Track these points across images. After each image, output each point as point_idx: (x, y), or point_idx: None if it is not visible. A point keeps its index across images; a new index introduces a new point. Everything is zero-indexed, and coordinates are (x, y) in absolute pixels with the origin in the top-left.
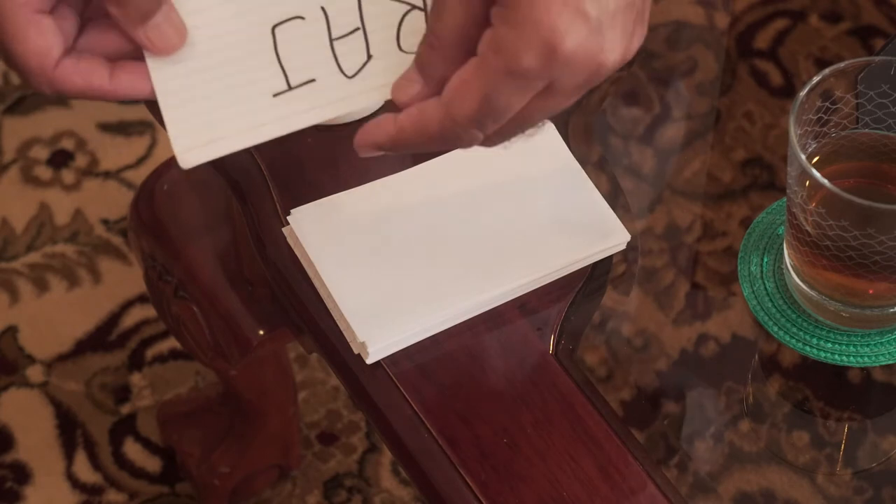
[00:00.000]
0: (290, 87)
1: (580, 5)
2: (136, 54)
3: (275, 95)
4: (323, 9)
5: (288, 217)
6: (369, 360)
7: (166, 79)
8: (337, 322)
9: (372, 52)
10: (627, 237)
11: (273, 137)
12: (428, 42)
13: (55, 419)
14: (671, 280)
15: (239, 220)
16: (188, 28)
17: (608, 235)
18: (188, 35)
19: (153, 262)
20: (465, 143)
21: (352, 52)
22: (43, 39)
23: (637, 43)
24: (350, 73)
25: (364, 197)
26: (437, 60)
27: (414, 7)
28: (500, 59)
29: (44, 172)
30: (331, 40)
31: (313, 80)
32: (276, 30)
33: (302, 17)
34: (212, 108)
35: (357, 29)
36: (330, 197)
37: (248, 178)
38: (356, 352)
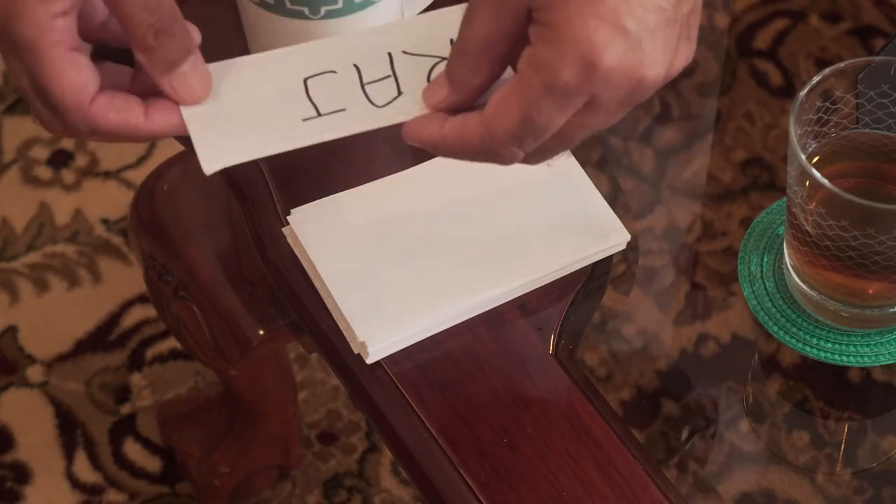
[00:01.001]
0: (319, 115)
1: (619, 21)
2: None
3: (304, 120)
4: (355, 65)
5: (288, 217)
6: (369, 360)
7: (197, 116)
8: (337, 322)
9: (402, 90)
10: (627, 237)
11: (297, 147)
12: (456, 49)
13: (55, 419)
14: (671, 280)
15: (239, 220)
16: (220, 80)
17: (608, 235)
18: (220, 85)
19: (153, 262)
20: (506, 160)
21: (382, 91)
22: (79, 76)
23: (682, 61)
24: (380, 104)
25: (364, 197)
26: (463, 67)
27: (443, 59)
28: (539, 76)
29: (44, 172)
30: (362, 85)
31: (343, 110)
32: (308, 81)
33: (334, 72)
34: (240, 129)
35: (388, 76)
36: (330, 197)
37: (248, 178)
38: (356, 352)
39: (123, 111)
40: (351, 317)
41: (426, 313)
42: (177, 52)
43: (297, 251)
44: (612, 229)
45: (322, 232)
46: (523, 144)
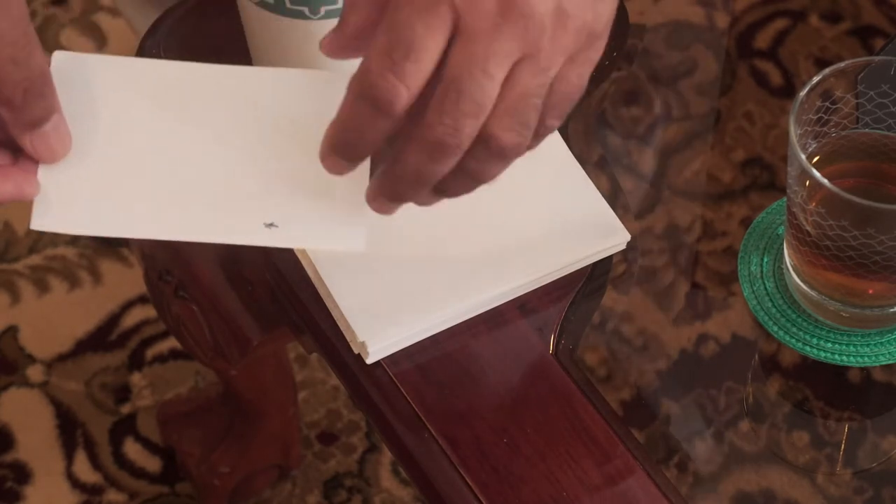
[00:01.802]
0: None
1: None
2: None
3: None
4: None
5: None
6: (369, 360)
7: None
8: (337, 322)
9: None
10: (627, 237)
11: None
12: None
13: (55, 419)
14: (671, 280)
15: None
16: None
17: (608, 235)
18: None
19: (153, 263)
20: (384, 94)
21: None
22: None
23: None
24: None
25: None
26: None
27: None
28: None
29: None
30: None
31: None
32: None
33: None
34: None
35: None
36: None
37: None
38: (356, 352)
39: None
40: (351, 317)
41: (426, 313)
42: (42, 111)
43: (297, 251)
44: (613, 229)
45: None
46: (397, 68)
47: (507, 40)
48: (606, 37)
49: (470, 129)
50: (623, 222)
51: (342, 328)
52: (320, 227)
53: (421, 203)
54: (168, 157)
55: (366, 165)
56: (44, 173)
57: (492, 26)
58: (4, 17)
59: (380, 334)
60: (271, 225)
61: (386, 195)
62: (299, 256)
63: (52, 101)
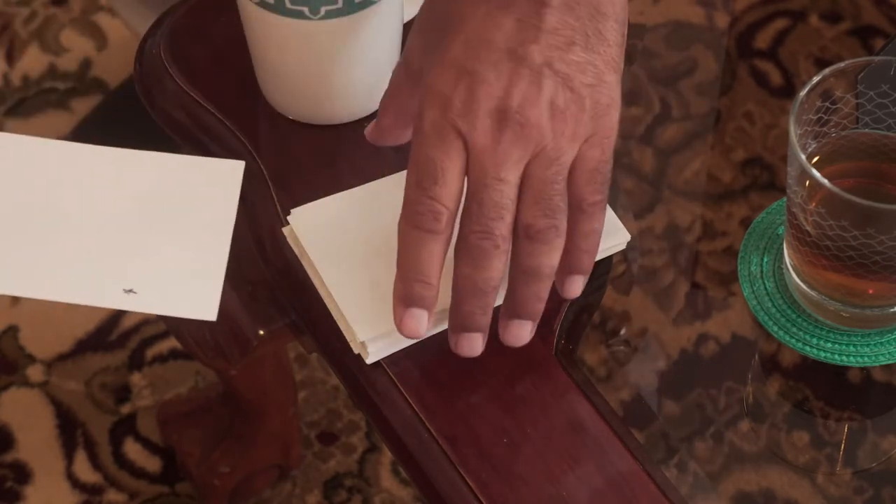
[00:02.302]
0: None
1: (463, 64)
2: None
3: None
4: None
5: (288, 217)
6: (369, 360)
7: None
8: (337, 322)
9: None
10: (627, 237)
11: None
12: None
13: (55, 419)
14: (671, 280)
15: (239, 219)
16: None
17: (608, 235)
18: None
19: None
20: (428, 219)
21: None
22: None
23: (520, 96)
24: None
25: (364, 196)
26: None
27: None
28: (415, 125)
29: None
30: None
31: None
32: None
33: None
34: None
35: None
36: (330, 196)
37: (249, 178)
38: (356, 352)
39: None
40: (351, 317)
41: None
42: None
43: (297, 251)
44: (613, 229)
45: (322, 232)
46: (429, 193)
47: (510, 148)
48: (616, 113)
49: (500, 229)
50: (623, 222)
51: (342, 328)
52: (175, 296)
53: (515, 340)
54: (44, 224)
55: (225, 240)
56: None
57: (493, 140)
58: None
59: (380, 334)
60: (130, 291)
61: (461, 327)
62: (299, 256)
63: None
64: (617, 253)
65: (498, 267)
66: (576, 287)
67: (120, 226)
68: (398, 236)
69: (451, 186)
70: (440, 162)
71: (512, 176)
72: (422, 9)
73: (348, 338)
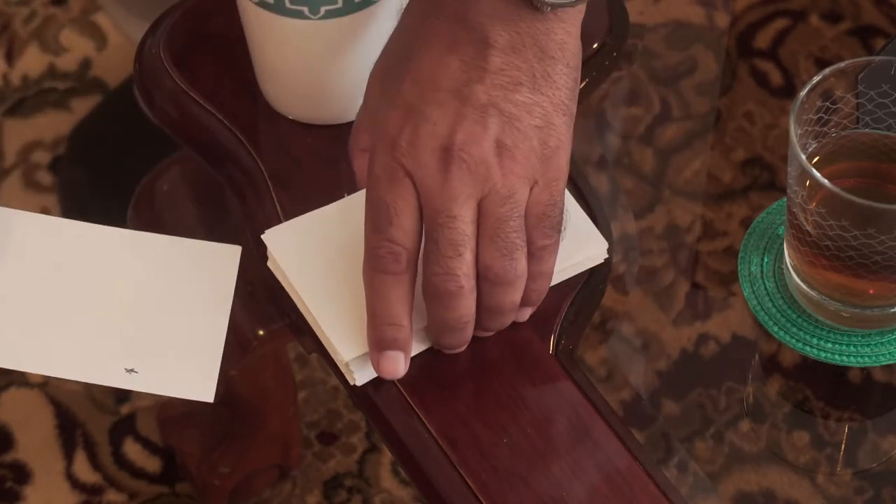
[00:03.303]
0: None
1: (411, 105)
2: None
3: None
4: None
5: (262, 237)
6: (358, 382)
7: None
8: (322, 342)
9: None
10: (605, 254)
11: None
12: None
13: (55, 419)
14: (671, 280)
15: (238, 220)
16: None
17: (585, 247)
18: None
19: None
20: (388, 263)
21: None
22: None
23: (464, 134)
24: None
25: (340, 213)
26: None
27: None
28: (368, 171)
29: (45, 177)
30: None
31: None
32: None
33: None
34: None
35: None
36: (305, 215)
37: (249, 178)
38: (344, 373)
39: None
40: (336, 339)
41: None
42: None
43: (276, 273)
44: (591, 241)
45: (299, 252)
46: (385, 235)
47: (458, 185)
48: (564, 156)
49: (460, 268)
50: (623, 222)
51: (326, 347)
52: (174, 376)
53: (477, 335)
54: (49, 302)
55: (222, 323)
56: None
57: (440, 178)
58: None
59: (364, 354)
60: (132, 370)
61: (443, 348)
62: (279, 277)
63: None
64: (617, 253)
65: (467, 305)
66: (523, 316)
67: (122, 306)
68: (364, 282)
69: (406, 227)
70: (392, 203)
71: (464, 212)
72: (381, 53)
73: (335, 359)
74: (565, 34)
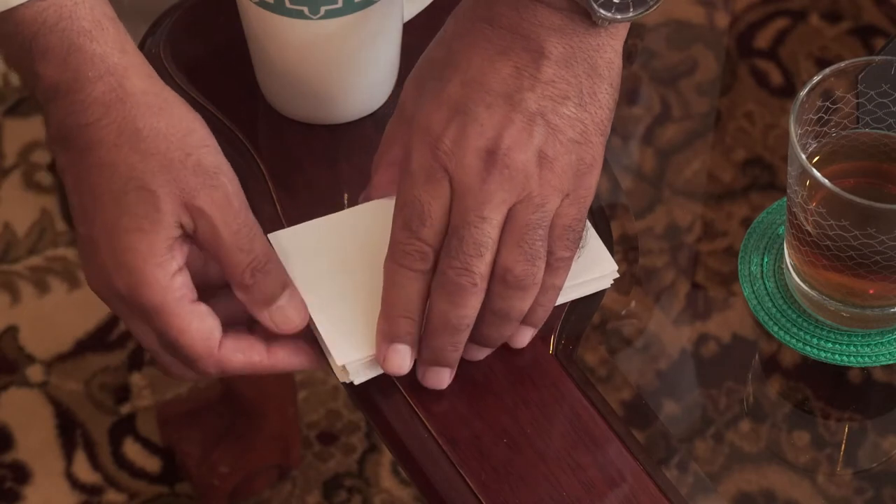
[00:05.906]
0: None
1: (457, 104)
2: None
3: None
4: None
5: (268, 237)
6: (356, 380)
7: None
8: (320, 344)
9: None
10: (615, 274)
11: None
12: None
13: (55, 419)
14: (671, 280)
15: None
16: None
17: (595, 267)
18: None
19: None
20: (415, 262)
21: None
22: (205, 325)
23: (511, 138)
24: None
25: (344, 221)
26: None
27: None
28: (403, 166)
29: (45, 178)
30: None
31: None
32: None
33: None
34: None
35: None
36: (310, 221)
37: (249, 178)
38: (338, 377)
39: (247, 351)
40: (331, 343)
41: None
42: (273, 287)
43: None
44: (602, 263)
45: (302, 256)
46: (416, 235)
47: (496, 189)
48: (596, 175)
49: (478, 267)
50: (623, 222)
51: (324, 350)
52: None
53: (470, 357)
54: (369, 282)
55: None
56: (327, 336)
57: (479, 179)
58: (227, 210)
59: (362, 364)
60: None
61: (430, 361)
62: None
63: (280, 276)
64: (617, 253)
65: (473, 305)
66: (524, 339)
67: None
68: (384, 274)
69: (436, 226)
70: (427, 203)
71: (495, 216)
72: (420, 59)
73: (330, 362)
74: (613, 53)
